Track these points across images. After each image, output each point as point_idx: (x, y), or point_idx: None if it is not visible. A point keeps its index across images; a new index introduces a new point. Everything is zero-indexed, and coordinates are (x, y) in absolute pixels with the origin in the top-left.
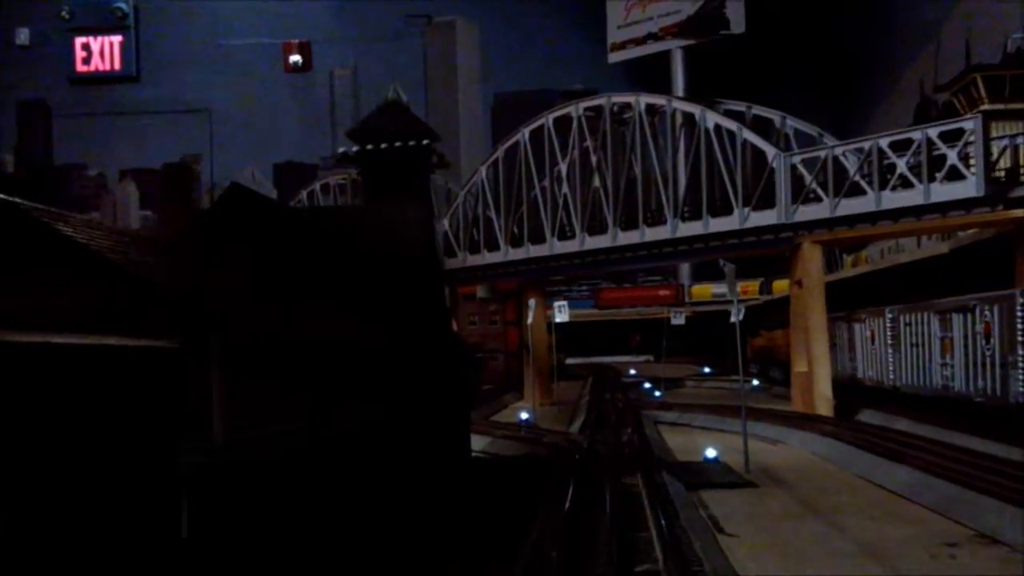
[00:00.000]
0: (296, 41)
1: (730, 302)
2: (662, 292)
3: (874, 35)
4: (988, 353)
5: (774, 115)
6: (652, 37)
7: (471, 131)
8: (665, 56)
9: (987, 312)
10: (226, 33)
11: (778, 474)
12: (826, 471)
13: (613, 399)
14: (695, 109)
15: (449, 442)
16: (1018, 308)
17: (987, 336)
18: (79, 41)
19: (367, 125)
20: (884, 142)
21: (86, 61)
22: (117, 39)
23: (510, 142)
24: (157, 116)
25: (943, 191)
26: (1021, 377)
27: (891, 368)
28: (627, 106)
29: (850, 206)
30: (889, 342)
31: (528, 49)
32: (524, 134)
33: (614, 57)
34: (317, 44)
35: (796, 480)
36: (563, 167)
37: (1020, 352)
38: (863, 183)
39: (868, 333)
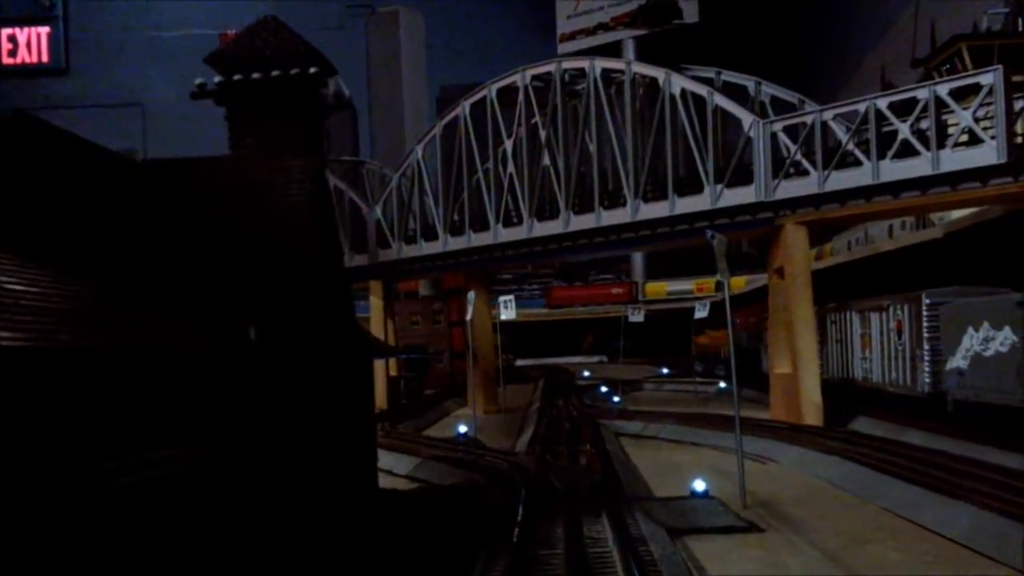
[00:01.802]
0: (233, 32)
1: (685, 300)
2: (615, 290)
3: (832, 22)
4: (900, 348)
5: (747, 81)
6: (603, 27)
7: (416, 124)
8: (616, 47)
9: (898, 311)
10: (160, 24)
11: (785, 509)
12: (846, 504)
13: (566, 405)
14: (658, 73)
15: (340, 486)
16: (924, 307)
17: (899, 332)
18: (5, 32)
19: (233, 48)
20: (883, 103)
21: (12, 53)
22: (44, 30)
23: (449, 117)
24: (88, 110)
25: (955, 159)
26: (927, 369)
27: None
28: (580, 74)
29: (842, 180)
30: (818, 339)
31: (475, 39)
32: (464, 107)
33: (564, 48)
34: None
35: (812, 519)
36: (508, 145)
37: (926, 347)
38: (858, 152)
39: None
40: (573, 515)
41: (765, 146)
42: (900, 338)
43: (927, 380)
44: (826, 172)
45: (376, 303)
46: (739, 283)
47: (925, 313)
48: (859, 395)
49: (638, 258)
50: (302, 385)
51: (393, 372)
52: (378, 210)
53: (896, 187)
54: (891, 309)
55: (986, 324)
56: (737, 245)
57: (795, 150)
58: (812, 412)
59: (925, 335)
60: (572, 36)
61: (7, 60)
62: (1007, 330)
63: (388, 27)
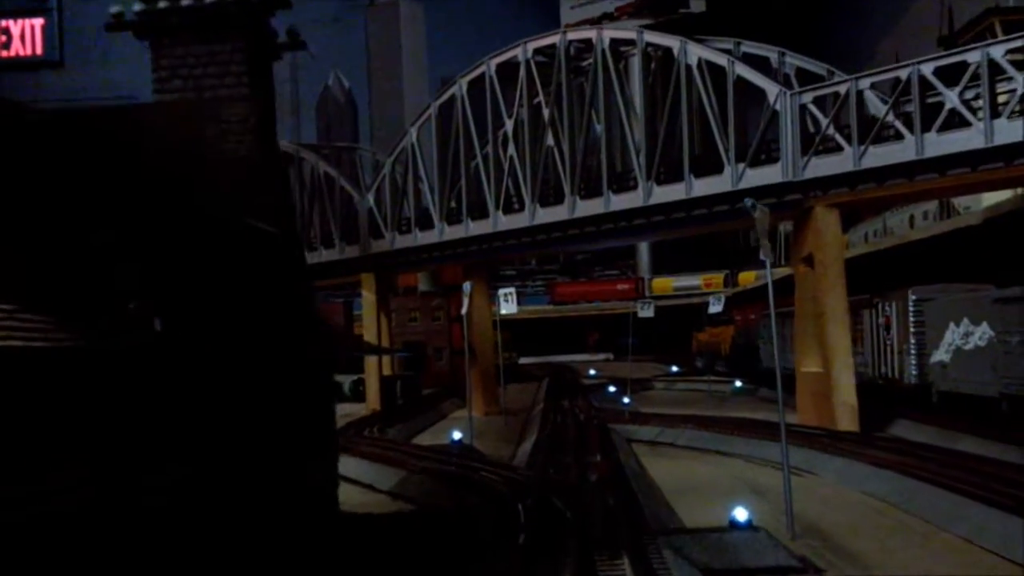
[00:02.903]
0: None
1: (693, 295)
2: (621, 286)
3: (844, 8)
4: (888, 342)
5: (770, 52)
6: (607, 17)
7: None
8: None
9: (887, 308)
10: None
11: (844, 540)
12: (919, 533)
13: (572, 407)
14: (673, 43)
15: (279, 513)
16: (910, 304)
17: (887, 328)
18: None
19: None
20: (928, 68)
21: (5, 46)
22: (39, 22)
23: (445, 96)
24: (82, 104)
25: (1010, 130)
26: (913, 362)
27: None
28: (586, 46)
29: (881, 156)
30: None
31: (477, 31)
32: (461, 86)
33: None
34: None
35: (881, 553)
36: (509, 125)
37: (912, 341)
38: (899, 125)
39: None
40: (584, 553)
41: (793, 120)
42: (888, 333)
43: (913, 372)
44: (863, 147)
45: (368, 298)
46: (748, 277)
47: (911, 309)
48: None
49: (644, 253)
50: (225, 388)
51: (388, 371)
52: (370, 198)
53: (943, 163)
54: (880, 305)
55: (966, 320)
56: (745, 240)
57: (827, 123)
58: (847, 415)
59: (911, 330)
60: (576, 27)
61: (0, 53)
62: (984, 325)
63: (388, 19)
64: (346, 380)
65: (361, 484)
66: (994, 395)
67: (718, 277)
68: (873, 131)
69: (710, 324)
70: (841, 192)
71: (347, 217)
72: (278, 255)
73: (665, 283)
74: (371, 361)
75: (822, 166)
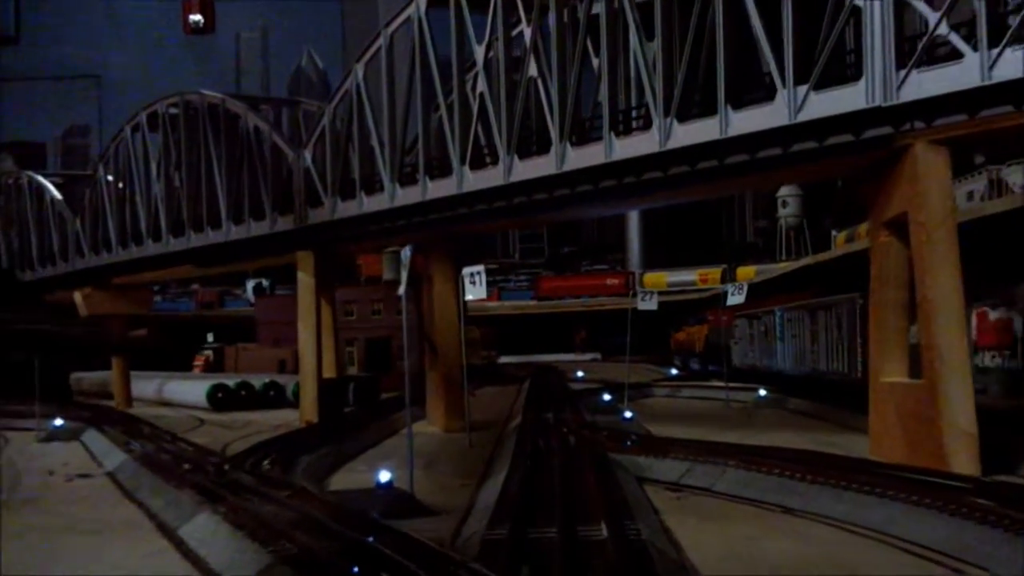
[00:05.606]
0: (197, 1)
1: (687, 291)
2: (610, 281)
3: None
4: (840, 341)
5: None
6: None
7: None
8: None
9: (840, 309)
10: None
11: None
12: None
13: (559, 421)
14: None
15: None
16: (857, 306)
17: (839, 327)
18: None
19: None
20: None
21: None
22: None
23: (399, 21)
24: (39, 83)
25: None
26: (860, 359)
27: (777, 356)
28: None
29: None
30: (778, 335)
31: None
32: (419, 5)
33: None
34: (221, 3)
35: None
36: (480, 52)
37: (860, 339)
38: None
39: (762, 328)
40: None
41: (884, 18)
42: (840, 332)
43: (860, 368)
44: (995, 51)
45: (305, 281)
46: (748, 273)
47: (857, 311)
48: (809, 381)
49: (635, 246)
50: None
51: (331, 372)
52: (307, 156)
53: None
54: (834, 308)
55: None
56: (742, 234)
57: (938, 19)
58: (964, 449)
59: (858, 329)
60: None
61: None
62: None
63: None
64: (291, 383)
65: (209, 572)
66: None
67: (715, 272)
68: (1015, 26)
69: (687, 324)
70: (956, 121)
71: (281, 182)
72: None
73: (658, 278)
74: (307, 359)
75: (928, 83)
